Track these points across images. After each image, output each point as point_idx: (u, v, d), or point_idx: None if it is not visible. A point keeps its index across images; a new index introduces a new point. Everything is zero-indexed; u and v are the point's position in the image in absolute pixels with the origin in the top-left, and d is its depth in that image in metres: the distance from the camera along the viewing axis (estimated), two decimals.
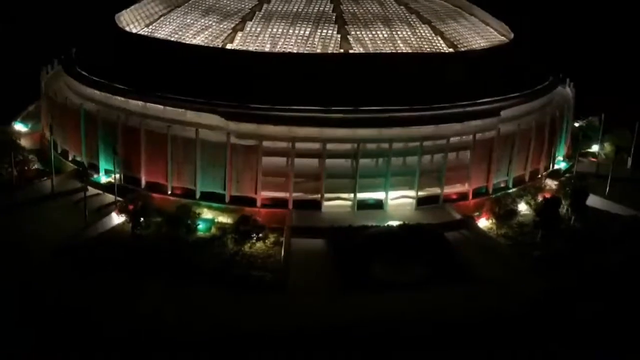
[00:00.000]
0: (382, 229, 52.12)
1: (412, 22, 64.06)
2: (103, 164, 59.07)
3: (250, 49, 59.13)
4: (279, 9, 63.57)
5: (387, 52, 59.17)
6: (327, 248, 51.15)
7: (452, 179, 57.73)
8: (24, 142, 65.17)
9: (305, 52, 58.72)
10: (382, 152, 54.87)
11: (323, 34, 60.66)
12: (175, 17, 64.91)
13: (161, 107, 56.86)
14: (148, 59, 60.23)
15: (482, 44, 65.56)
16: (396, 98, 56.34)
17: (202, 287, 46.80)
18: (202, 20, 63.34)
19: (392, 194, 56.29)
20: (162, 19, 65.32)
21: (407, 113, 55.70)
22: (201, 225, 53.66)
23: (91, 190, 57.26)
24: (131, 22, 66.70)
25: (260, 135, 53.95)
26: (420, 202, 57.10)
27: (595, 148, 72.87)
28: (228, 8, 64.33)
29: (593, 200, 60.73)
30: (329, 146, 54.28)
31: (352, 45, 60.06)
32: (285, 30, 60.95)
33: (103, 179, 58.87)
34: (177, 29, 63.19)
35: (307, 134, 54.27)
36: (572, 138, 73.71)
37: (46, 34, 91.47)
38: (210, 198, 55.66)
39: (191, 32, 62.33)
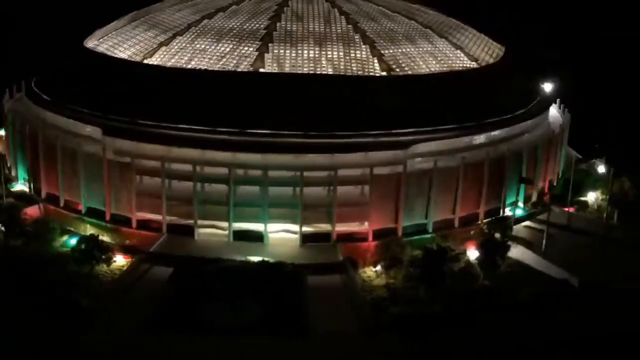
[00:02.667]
0: (232, 263, 47.24)
1: (351, 42, 58.45)
2: (21, 172, 59.74)
3: (165, 63, 56.99)
4: (218, 24, 60.98)
5: (279, 72, 54.61)
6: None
7: (347, 217, 51.30)
8: None
9: (209, 68, 55.46)
10: (258, 180, 50.03)
11: (242, 52, 57.07)
12: (125, 31, 64.52)
13: (62, 117, 56.36)
14: (68, 68, 60.66)
15: (432, 69, 58.25)
16: (285, 122, 51.27)
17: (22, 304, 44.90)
18: (143, 35, 62.38)
19: (273, 226, 51.12)
20: (114, 32, 65.27)
21: (289, 139, 50.41)
22: (75, 242, 52.18)
23: None
24: (95, 37, 67.22)
25: (133, 153, 51.42)
26: (307, 238, 51.30)
27: (592, 196, 62.19)
28: (173, 24, 62.75)
29: (527, 256, 51.51)
30: (206, 169, 50.56)
31: (267, 63, 55.89)
32: (208, 47, 58.13)
33: (17, 186, 59.46)
34: (119, 42, 62.71)
35: (183, 155, 50.85)
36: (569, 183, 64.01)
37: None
38: (95, 214, 54.01)
39: (126, 45, 61.55)
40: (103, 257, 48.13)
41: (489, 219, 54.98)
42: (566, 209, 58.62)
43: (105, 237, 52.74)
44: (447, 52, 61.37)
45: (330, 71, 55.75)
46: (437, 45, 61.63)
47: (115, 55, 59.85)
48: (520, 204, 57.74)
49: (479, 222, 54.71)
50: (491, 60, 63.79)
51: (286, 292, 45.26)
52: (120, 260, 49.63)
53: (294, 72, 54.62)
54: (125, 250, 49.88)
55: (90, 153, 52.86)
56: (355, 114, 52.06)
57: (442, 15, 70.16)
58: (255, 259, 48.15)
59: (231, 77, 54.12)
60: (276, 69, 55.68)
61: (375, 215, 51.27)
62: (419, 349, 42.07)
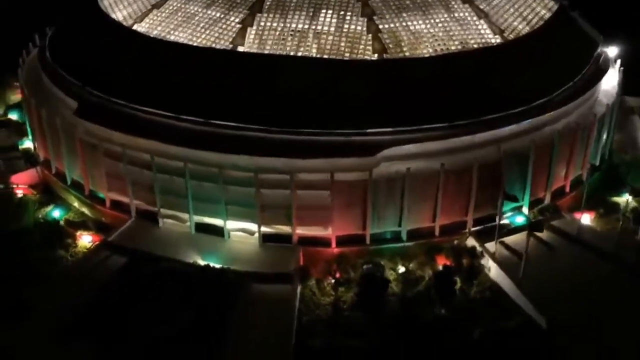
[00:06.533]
0: (174, 266, 46.26)
1: (347, 13, 52.10)
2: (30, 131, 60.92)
3: (149, 31, 54.11)
4: None
5: (243, 52, 50.14)
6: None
7: (308, 220, 47.95)
8: None
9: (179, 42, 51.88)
10: (214, 177, 47.55)
11: (228, 22, 52.80)
12: None
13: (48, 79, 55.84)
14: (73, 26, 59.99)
15: (438, 49, 51.08)
16: (247, 114, 47.71)
17: None
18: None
19: (232, 224, 49.07)
20: None
21: (248, 132, 46.93)
22: (58, 214, 53.41)
23: None
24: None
25: (100, 135, 50.35)
26: (268, 238, 48.97)
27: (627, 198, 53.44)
28: None
29: (503, 281, 46.20)
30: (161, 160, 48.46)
31: (248, 38, 51.38)
32: (199, 11, 54.24)
33: (27, 143, 60.76)
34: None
35: (145, 146, 48.91)
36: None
37: None
38: (77, 188, 54.53)
39: (127, 2, 58.66)
40: (63, 243, 48.81)
41: (479, 227, 49.50)
42: (577, 216, 51.07)
43: (86, 211, 53.96)
44: (465, 23, 53.21)
45: (314, 50, 50.37)
46: (456, 15, 53.52)
47: (109, 14, 57.29)
48: (525, 210, 51.06)
49: (466, 230, 49.39)
50: (527, 31, 54.75)
51: (218, 303, 43.95)
52: (87, 241, 50.31)
53: (259, 52, 49.91)
54: (91, 230, 50.35)
55: (68, 125, 52.20)
56: (318, 108, 47.20)
57: None
58: (202, 262, 46.93)
59: (198, 54, 50.33)
60: (257, 44, 51.15)
61: (339, 221, 47.59)
62: None
